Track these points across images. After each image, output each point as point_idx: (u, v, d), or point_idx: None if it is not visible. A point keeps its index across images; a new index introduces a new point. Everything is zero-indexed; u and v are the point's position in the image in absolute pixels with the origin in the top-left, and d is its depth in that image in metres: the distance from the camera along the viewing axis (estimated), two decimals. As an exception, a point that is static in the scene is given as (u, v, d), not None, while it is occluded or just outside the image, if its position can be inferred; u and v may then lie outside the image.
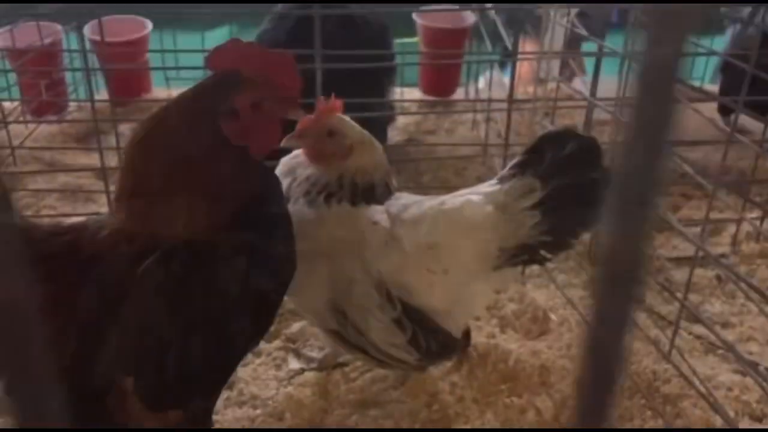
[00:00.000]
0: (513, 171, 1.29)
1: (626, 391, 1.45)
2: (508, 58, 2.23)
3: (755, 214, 2.05)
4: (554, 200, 1.25)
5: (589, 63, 2.57)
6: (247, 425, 1.40)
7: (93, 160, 2.25)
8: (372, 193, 1.32)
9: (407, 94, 2.87)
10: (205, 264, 1.01)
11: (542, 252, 1.26)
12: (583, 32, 2.12)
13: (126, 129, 2.62)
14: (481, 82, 2.79)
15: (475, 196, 1.30)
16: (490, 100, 2.43)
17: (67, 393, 0.90)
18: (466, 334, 1.47)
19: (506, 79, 2.25)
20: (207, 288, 1.01)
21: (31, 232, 1.09)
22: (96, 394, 1.02)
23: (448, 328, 1.30)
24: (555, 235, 1.25)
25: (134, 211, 1.05)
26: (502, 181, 1.30)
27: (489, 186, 1.31)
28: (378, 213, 1.31)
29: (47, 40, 2.58)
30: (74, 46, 2.63)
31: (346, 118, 1.32)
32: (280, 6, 2.22)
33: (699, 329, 1.64)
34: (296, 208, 1.28)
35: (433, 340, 1.28)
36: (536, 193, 1.26)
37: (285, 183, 1.29)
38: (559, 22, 2.23)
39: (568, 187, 1.25)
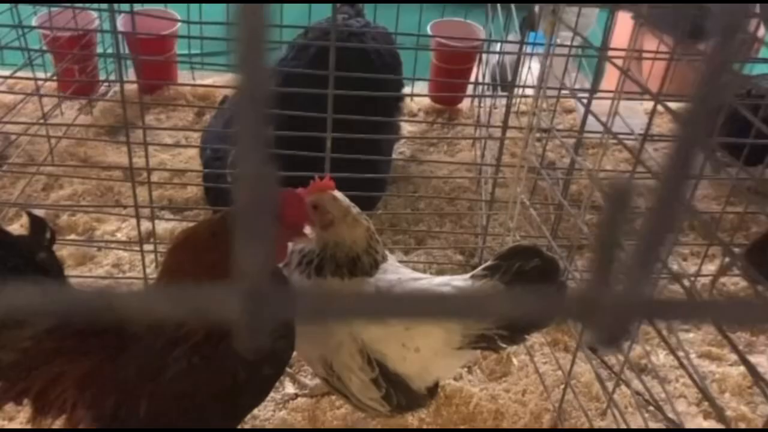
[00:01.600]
0: (484, 272, 1.52)
1: (562, 442, 1.76)
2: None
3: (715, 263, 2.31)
4: None
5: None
6: (246, 444, 1.72)
7: (123, 155, 2.50)
8: (355, 265, 1.55)
9: (417, 101, 3.09)
10: (220, 358, 1.29)
11: (499, 343, 1.52)
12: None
13: (152, 119, 2.88)
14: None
15: (450, 289, 1.53)
16: (488, 126, 2.65)
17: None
18: (435, 386, 1.76)
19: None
20: (220, 375, 1.30)
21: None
22: None
23: (417, 389, 1.58)
24: (510, 330, 1.50)
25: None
26: (473, 278, 1.53)
27: (463, 281, 1.54)
28: (367, 288, 1.58)
29: (84, 25, 2.79)
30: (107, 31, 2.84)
31: (337, 194, 1.54)
32: (300, 38, 2.42)
33: (638, 383, 1.92)
34: (294, 278, 1.55)
35: (403, 397, 1.57)
36: None
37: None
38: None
39: None
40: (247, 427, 1.76)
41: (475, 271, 1.57)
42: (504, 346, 1.54)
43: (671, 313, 0.36)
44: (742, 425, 1.87)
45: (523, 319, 1.51)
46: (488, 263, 1.56)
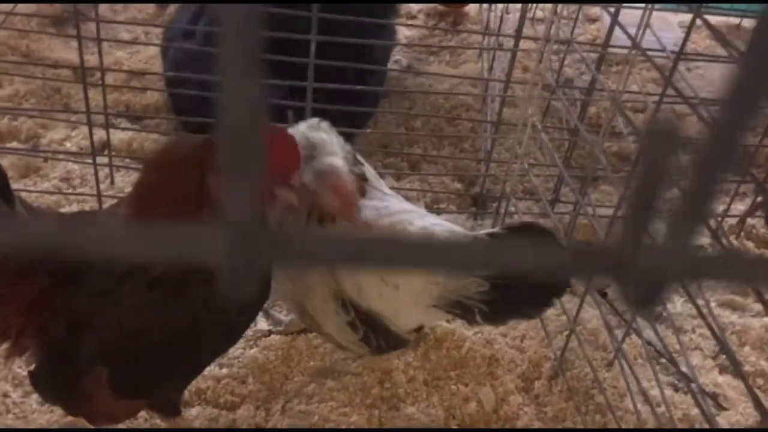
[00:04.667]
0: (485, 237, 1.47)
1: (563, 393, 1.80)
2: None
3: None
4: (507, 281, 1.44)
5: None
6: (211, 386, 1.72)
7: (72, 51, 2.43)
8: None
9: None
10: (181, 297, 1.27)
11: (477, 317, 1.49)
12: None
13: (106, 10, 2.80)
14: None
15: (444, 231, 1.53)
16: (498, 35, 2.60)
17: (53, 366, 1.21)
18: (419, 329, 1.71)
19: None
20: (179, 316, 1.29)
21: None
22: (76, 374, 1.32)
23: (397, 331, 1.57)
24: (493, 309, 1.47)
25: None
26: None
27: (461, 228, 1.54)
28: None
29: None
30: None
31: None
32: None
33: (650, 333, 1.95)
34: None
35: (383, 339, 1.58)
36: None
37: None
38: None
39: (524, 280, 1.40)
40: (213, 365, 1.76)
41: (477, 234, 1.56)
42: (480, 322, 1.52)
43: (719, 273, 0.36)
44: (760, 381, 1.90)
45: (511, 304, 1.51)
46: (495, 230, 1.55)
